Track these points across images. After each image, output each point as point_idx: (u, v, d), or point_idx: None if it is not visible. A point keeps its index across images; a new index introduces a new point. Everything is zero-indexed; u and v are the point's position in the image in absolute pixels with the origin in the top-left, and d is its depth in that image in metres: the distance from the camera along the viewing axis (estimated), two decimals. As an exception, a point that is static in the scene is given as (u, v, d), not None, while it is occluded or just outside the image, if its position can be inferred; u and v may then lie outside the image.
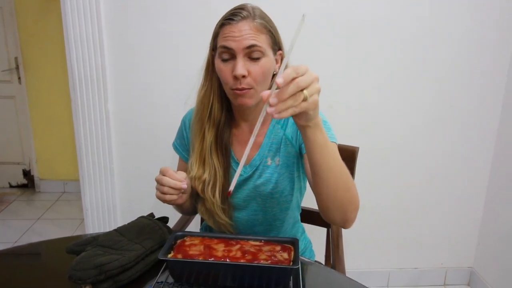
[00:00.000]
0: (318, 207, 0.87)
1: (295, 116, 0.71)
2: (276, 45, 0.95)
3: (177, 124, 1.13)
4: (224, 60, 0.90)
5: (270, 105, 0.65)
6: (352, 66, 1.72)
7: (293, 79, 0.64)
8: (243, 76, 0.88)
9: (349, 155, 1.21)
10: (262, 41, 0.89)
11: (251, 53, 0.88)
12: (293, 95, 0.65)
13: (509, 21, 1.72)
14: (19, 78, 2.97)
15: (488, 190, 1.92)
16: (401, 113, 1.80)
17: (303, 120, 0.72)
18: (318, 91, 0.69)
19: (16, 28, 2.88)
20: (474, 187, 1.92)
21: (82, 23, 1.58)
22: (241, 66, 0.87)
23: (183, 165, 1.09)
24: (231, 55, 0.89)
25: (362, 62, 1.72)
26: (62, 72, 2.65)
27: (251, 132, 1.00)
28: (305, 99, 0.66)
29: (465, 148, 1.86)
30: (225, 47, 0.89)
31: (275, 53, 0.95)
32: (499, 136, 1.84)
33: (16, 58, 2.93)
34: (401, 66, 1.74)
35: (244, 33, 0.87)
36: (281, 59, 0.96)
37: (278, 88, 0.65)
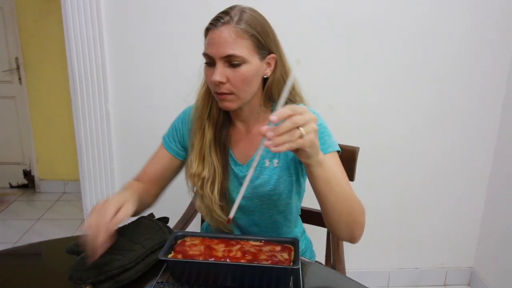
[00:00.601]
0: (327, 228, 0.91)
1: (296, 153, 0.75)
2: (265, 49, 0.92)
3: (177, 124, 1.14)
4: (208, 65, 0.91)
5: (268, 139, 0.69)
6: (352, 66, 1.72)
7: (289, 116, 0.68)
8: (221, 82, 0.89)
9: (349, 155, 1.21)
10: (242, 47, 0.87)
11: (230, 61, 0.88)
12: (289, 130, 0.68)
13: (509, 21, 1.72)
14: (19, 78, 2.97)
15: (488, 190, 1.92)
16: (401, 113, 1.80)
17: (303, 157, 0.75)
18: (315, 131, 0.71)
19: (17, 28, 2.88)
20: (474, 187, 1.92)
21: (83, 23, 1.59)
22: (218, 73, 0.88)
23: (164, 154, 1.07)
24: (213, 61, 0.90)
25: (362, 62, 1.72)
26: (62, 72, 2.65)
27: (247, 132, 1.02)
28: (301, 136, 0.69)
29: (465, 148, 1.86)
30: (205, 54, 0.90)
31: (263, 57, 0.92)
32: (499, 136, 1.85)
33: (16, 59, 2.93)
34: (401, 66, 1.74)
35: (223, 41, 0.87)
36: (275, 62, 0.95)
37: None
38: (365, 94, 1.76)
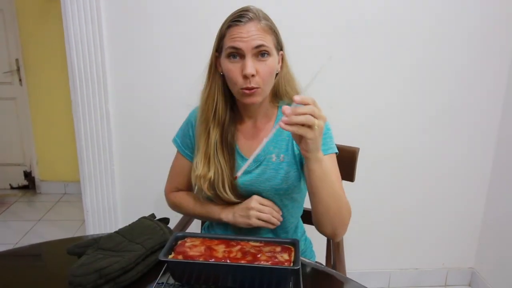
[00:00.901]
0: (312, 220, 0.94)
1: (299, 143, 0.80)
2: (279, 45, 0.98)
3: (178, 124, 1.14)
4: (233, 61, 0.93)
5: (285, 115, 0.74)
6: (352, 66, 1.72)
7: (310, 104, 0.74)
8: (252, 75, 0.91)
9: (349, 156, 1.21)
10: (269, 42, 0.93)
11: (259, 53, 0.92)
12: (306, 115, 0.74)
13: (509, 21, 1.72)
14: (20, 79, 2.98)
15: (489, 190, 1.92)
16: (401, 113, 1.80)
17: (304, 150, 0.81)
18: (322, 130, 0.78)
19: (17, 30, 2.89)
20: (475, 187, 1.92)
21: (83, 25, 1.59)
22: (251, 65, 0.91)
23: (184, 162, 1.11)
24: (240, 55, 0.92)
25: (362, 63, 1.72)
26: (62, 74, 2.65)
27: (254, 127, 1.04)
28: (311, 127, 0.75)
29: (465, 148, 1.86)
30: (234, 47, 0.91)
31: (278, 53, 0.98)
32: (500, 136, 1.84)
33: (17, 60, 2.94)
34: (401, 66, 1.74)
35: (252, 34, 0.91)
36: (282, 59, 1.00)
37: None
38: (365, 94, 1.76)
